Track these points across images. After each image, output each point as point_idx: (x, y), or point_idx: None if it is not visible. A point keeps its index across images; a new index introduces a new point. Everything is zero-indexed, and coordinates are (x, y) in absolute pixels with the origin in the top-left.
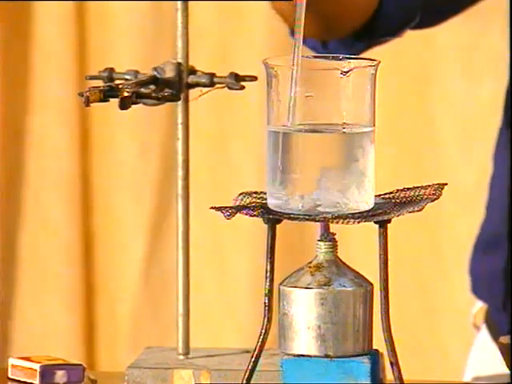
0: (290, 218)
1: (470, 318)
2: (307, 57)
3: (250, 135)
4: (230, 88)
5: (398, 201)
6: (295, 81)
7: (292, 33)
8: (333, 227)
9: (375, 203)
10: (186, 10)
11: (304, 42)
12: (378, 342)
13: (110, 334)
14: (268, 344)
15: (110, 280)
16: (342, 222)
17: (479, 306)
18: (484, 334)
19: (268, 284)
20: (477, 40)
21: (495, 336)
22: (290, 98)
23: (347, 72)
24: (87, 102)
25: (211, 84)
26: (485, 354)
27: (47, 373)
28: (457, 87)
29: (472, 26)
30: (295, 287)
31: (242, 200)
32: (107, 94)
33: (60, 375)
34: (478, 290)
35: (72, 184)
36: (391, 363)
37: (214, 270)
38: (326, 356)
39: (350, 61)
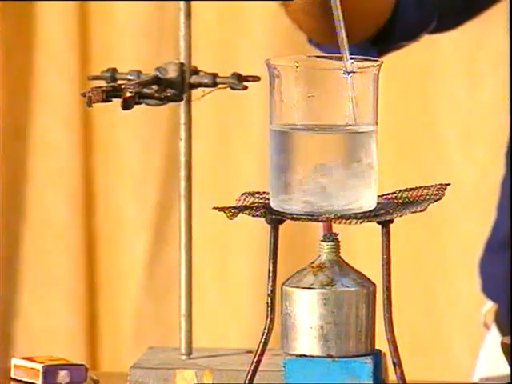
0: (292, 218)
1: (480, 318)
2: (310, 56)
3: (253, 135)
4: (232, 88)
5: (400, 201)
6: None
7: (310, 40)
8: (335, 227)
9: (378, 203)
10: (188, 10)
11: (320, 48)
12: (381, 343)
13: (113, 334)
14: (270, 344)
15: (112, 280)
16: (345, 222)
17: (489, 306)
18: (494, 333)
19: (271, 284)
20: (479, 40)
21: (505, 335)
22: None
23: (350, 72)
24: (90, 103)
25: (214, 84)
26: (494, 354)
27: (50, 373)
28: (459, 87)
29: (474, 26)
30: (298, 287)
31: (244, 200)
32: (110, 95)
33: (62, 375)
34: (488, 290)
35: (75, 184)
36: (394, 363)
37: (217, 270)
38: (329, 356)
39: (353, 61)
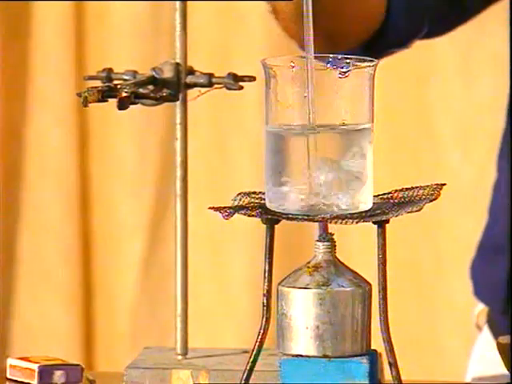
0: (288, 218)
1: (472, 319)
2: (306, 57)
3: (249, 135)
4: (228, 88)
5: (396, 201)
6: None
7: (302, 47)
8: (331, 227)
9: (374, 203)
10: (184, 10)
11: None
12: (377, 343)
13: (109, 334)
14: (266, 344)
15: (108, 280)
16: (341, 222)
17: (481, 307)
18: (486, 334)
19: (266, 284)
20: (475, 39)
21: (497, 336)
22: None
23: (346, 72)
24: (85, 103)
25: (209, 84)
26: (487, 354)
27: (45, 373)
28: (455, 86)
29: (470, 25)
30: (293, 287)
31: (240, 200)
32: (105, 95)
33: (58, 375)
34: (479, 293)
35: (70, 184)
36: (390, 363)
37: (213, 270)
38: (325, 356)
39: (349, 61)
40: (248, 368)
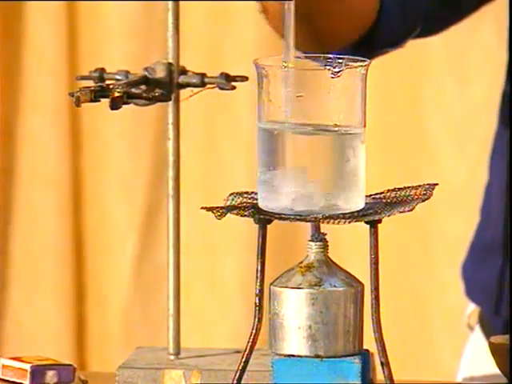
0: (280, 218)
1: (463, 319)
2: (298, 57)
3: (241, 135)
4: (220, 88)
5: (388, 201)
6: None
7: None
8: (323, 227)
9: (366, 203)
10: (176, 10)
11: (304, 53)
12: (369, 342)
13: (101, 334)
14: (259, 344)
15: (100, 280)
16: (333, 222)
17: (473, 307)
18: (477, 334)
19: (259, 284)
20: (468, 40)
21: (489, 336)
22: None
23: (338, 72)
24: (78, 103)
25: (202, 84)
26: (478, 354)
27: (38, 373)
28: (448, 87)
29: (463, 25)
30: (286, 287)
31: (232, 200)
32: (98, 95)
33: (51, 375)
34: (471, 294)
35: (63, 184)
36: (382, 363)
37: (205, 270)
38: (317, 356)
39: (341, 61)
40: (240, 368)
